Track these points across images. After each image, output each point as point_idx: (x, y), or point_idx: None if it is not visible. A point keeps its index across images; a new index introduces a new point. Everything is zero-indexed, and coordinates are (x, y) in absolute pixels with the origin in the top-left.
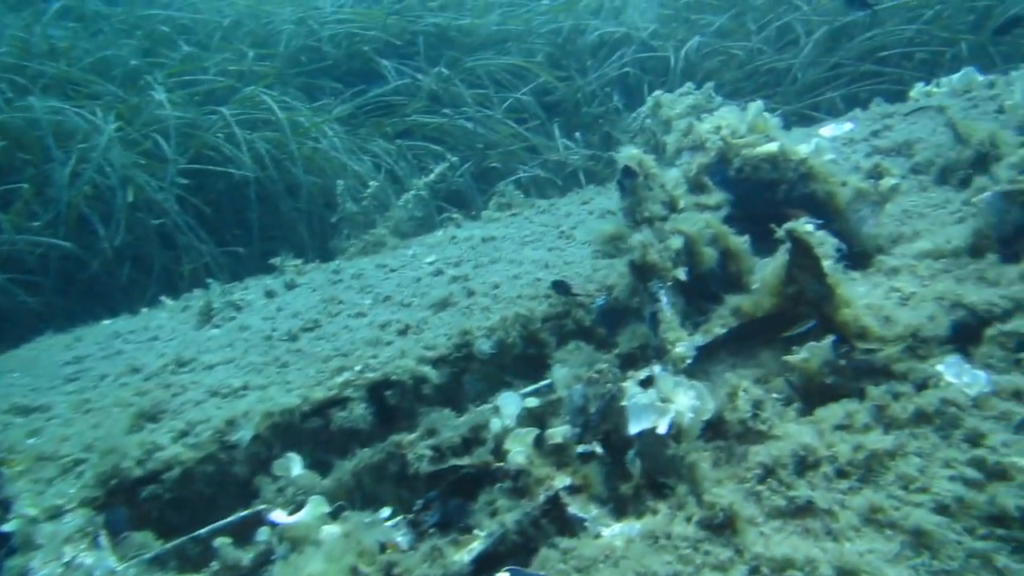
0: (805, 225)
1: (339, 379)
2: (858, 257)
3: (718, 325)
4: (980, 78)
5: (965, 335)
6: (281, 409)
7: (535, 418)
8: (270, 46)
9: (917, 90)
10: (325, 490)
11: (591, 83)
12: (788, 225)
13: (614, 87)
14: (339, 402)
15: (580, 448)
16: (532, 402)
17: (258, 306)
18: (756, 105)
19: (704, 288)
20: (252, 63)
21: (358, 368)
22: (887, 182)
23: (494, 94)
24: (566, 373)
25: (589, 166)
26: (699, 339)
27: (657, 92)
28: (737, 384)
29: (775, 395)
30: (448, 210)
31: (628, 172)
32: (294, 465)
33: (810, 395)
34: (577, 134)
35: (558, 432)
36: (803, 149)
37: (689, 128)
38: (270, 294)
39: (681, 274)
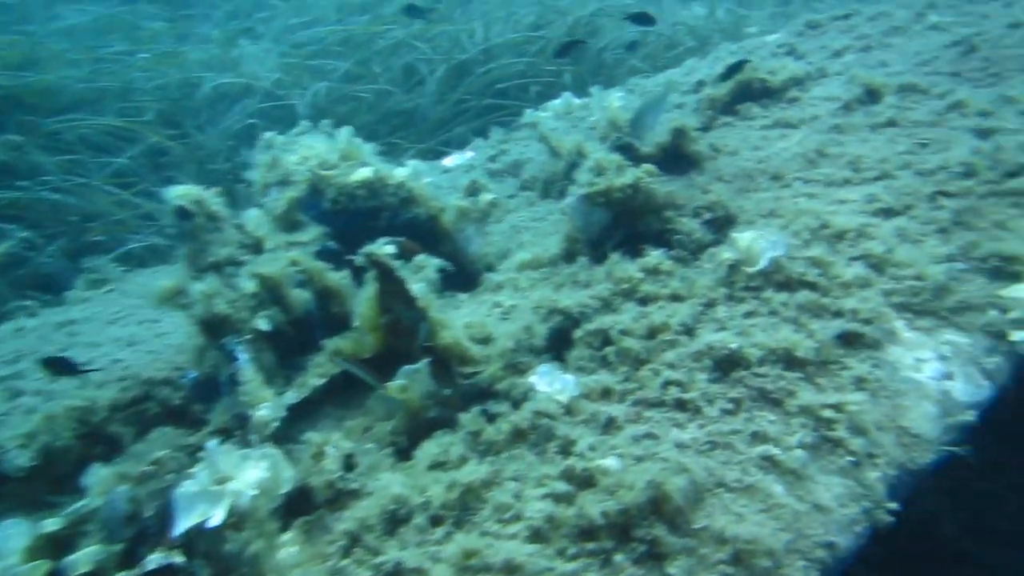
0: (384, 247)
1: None
2: (472, 277)
3: (315, 376)
4: (577, 101)
5: (563, 340)
6: None
7: (58, 545)
8: None
9: (528, 116)
10: None
11: (212, 139)
12: (366, 249)
13: (240, 140)
14: None
15: (149, 566)
16: (54, 524)
17: None
18: (346, 131)
19: (308, 335)
20: None
21: None
22: (485, 198)
23: (90, 159)
24: (106, 475)
25: None
26: (291, 396)
27: (268, 134)
28: (323, 441)
29: (374, 444)
30: (33, 297)
31: (183, 213)
32: None
33: (417, 433)
34: None
35: (83, 558)
36: (400, 173)
37: (274, 161)
38: None
39: (262, 324)
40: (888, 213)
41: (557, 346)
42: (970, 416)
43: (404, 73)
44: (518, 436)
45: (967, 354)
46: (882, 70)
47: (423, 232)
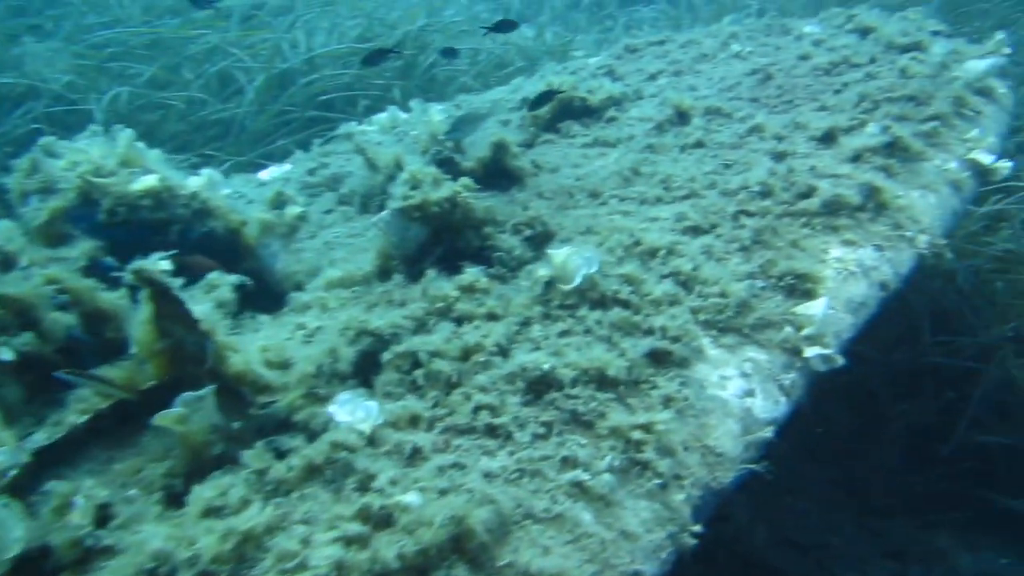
0: (158, 263)
1: None
2: (279, 297)
3: (76, 413)
4: (403, 115)
5: (372, 364)
6: None
7: None
8: None
9: (344, 128)
10: None
11: None
12: (135, 265)
13: (21, 147)
14: None
15: None
16: None
17: None
18: (126, 135)
19: (76, 365)
20: None
21: None
22: (292, 211)
23: None
24: None
25: None
26: (40, 438)
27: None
28: (69, 491)
29: (141, 490)
30: None
31: None
32: None
33: (199, 474)
34: None
35: None
36: (193, 182)
37: (34, 166)
38: None
39: (4, 353)
40: (696, 231)
41: (365, 371)
42: (768, 433)
43: (220, 81)
44: (312, 472)
45: (766, 371)
46: (691, 94)
47: (222, 248)
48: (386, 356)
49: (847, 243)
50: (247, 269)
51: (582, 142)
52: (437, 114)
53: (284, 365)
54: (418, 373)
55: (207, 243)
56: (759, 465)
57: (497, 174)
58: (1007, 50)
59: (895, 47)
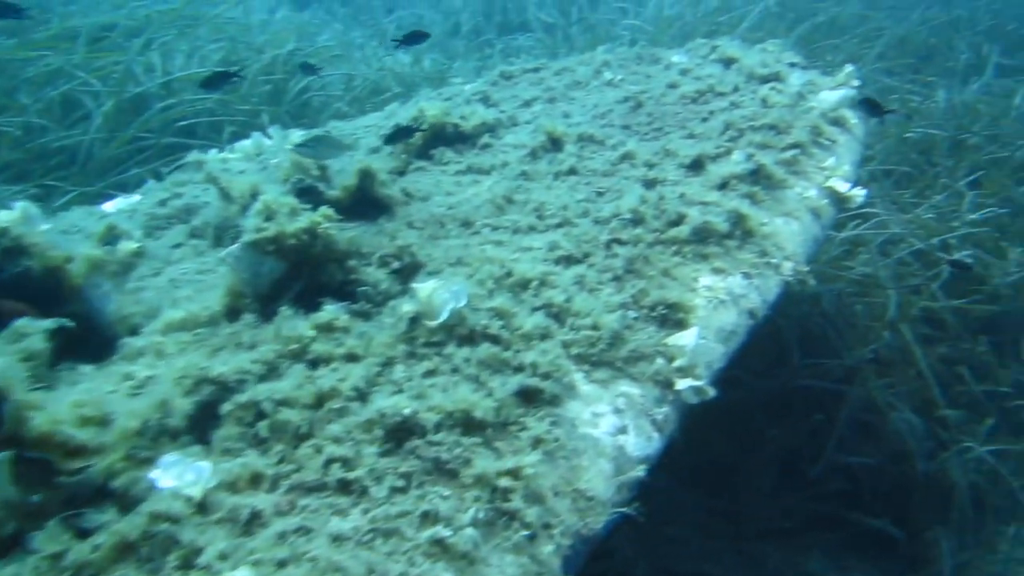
0: None
1: None
2: (111, 343)
3: None
4: (268, 142)
5: (212, 417)
6: None
7: None
8: None
9: (193, 155)
10: None
11: None
12: None
13: None
14: None
15: None
16: None
17: None
18: None
19: None
20: None
21: None
22: (126, 247)
23: None
24: None
25: None
26: None
27: None
28: None
29: None
30: None
31: None
32: None
33: None
34: None
35: None
36: (3, 217)
37: None
38: None
39: None
40: (568, 261)
41: (203, 425)
42: (641, 472)
43: (64, 106)
44: (124, 551)
45: (639, 406)
46: (565, 121)
47: (38, 289)
48: (226, 407)
49: (717, 271)
50: (72, 312)
51: (455, 169)
52: (298, 139)
53: (103, 422)
54: (262, 425)
55: (21, 285)
56: (631, 508)
57: (365, 203)
58: (856, 82)
59: (756, 77)
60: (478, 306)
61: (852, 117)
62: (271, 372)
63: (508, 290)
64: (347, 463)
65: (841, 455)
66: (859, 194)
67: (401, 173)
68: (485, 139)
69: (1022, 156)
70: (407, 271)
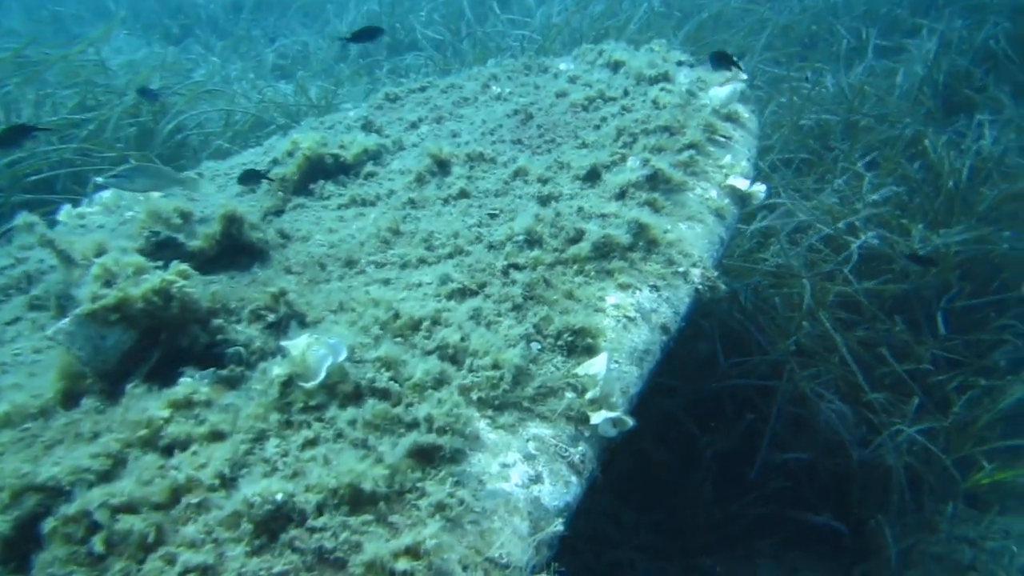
0: None
1: None
2: None
3: None
4: (128, 195)
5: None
6: None
7: None
8: None
9: (65, 212)
10: None
11: None
12: None
13: None
14: None
15: None
16: None
17: None
18: None
19: None
20: None
21: None
22: None
23: None
24: None
25: None
26: None
27: None
28: None
29: None
30: None
31: None
32: None
33: None
34: None
35: None
36: None
37: None
38: None
39: None
40: (463, 294)
41: (24, 548)
42: (560, 527)
43: None
44: None
45: (552, 448)
46: (452, 140)
47: None
48: (49, 523)
49: (623, 287)
50: None
51: (338, 203)
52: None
53: None
54: (97, 539)
55: None
56: (553, 569)
57: (235, 250)
58: (744, 76)
59: (645, 79)
60: (363, 356)
61: (744, 111)
62: (117, 466)
63: (396, 334)
64: (207, 572)
65: (777, 453)
66: (760, 190)
67: (279, 212)
68: (368, 167)
69: (911, 133)
70: (285, 323)
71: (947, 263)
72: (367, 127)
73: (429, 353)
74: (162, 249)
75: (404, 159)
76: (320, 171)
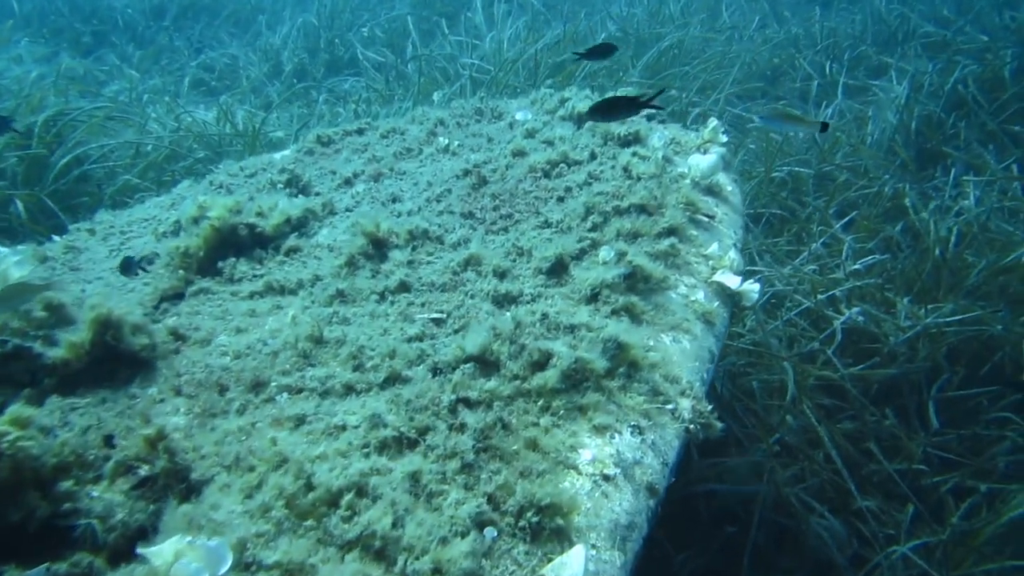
0: None
1: None
2: None
3: None
4: (3, 249)
5: None
6: None
7: None
8: None
9: None
10: None
11: None
12: None
13: None
14: None
15: None
16: None
17: None
18: None
19: None
20: None
21: None
22: None
23: None
24: None
25: None
26: None
27: None
28: None
29: None
30: None
31: None
32: None
33: None
34: None
35: None
36: None
37: None
38: None
39: None
40: (398, 445)
41: None
42: None
43: None
44: None
45: None
46: (393, 208)
47: None
48: None
49: (599, 430)
50: None
51: (250, 289)
52: (13, 267)
53: None
54: None
55: None
56: None
57: (110, 361)
58: (723, 138)
59: (614, 139)
60: (256, 558)
61: (728, 183)
62: None
63: (306, 515)
64: None
65: (760, 574)
66: (752, 290)
67: (179, 296)
68: (291, 241)
69: (890, 190)
70: (162, 480)
71: (938, 345)
72: (293, 182)
73: (349, 547)
74: (12, 361)
75: (335, 229)
76: (231, 245)
